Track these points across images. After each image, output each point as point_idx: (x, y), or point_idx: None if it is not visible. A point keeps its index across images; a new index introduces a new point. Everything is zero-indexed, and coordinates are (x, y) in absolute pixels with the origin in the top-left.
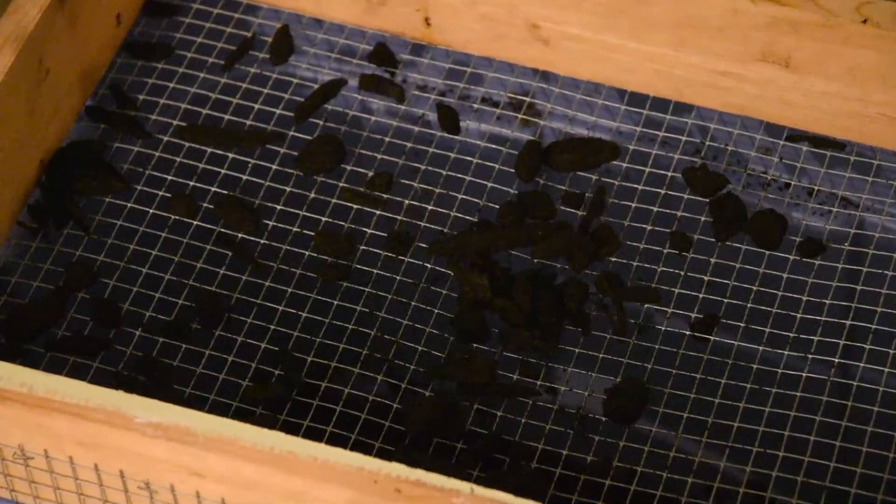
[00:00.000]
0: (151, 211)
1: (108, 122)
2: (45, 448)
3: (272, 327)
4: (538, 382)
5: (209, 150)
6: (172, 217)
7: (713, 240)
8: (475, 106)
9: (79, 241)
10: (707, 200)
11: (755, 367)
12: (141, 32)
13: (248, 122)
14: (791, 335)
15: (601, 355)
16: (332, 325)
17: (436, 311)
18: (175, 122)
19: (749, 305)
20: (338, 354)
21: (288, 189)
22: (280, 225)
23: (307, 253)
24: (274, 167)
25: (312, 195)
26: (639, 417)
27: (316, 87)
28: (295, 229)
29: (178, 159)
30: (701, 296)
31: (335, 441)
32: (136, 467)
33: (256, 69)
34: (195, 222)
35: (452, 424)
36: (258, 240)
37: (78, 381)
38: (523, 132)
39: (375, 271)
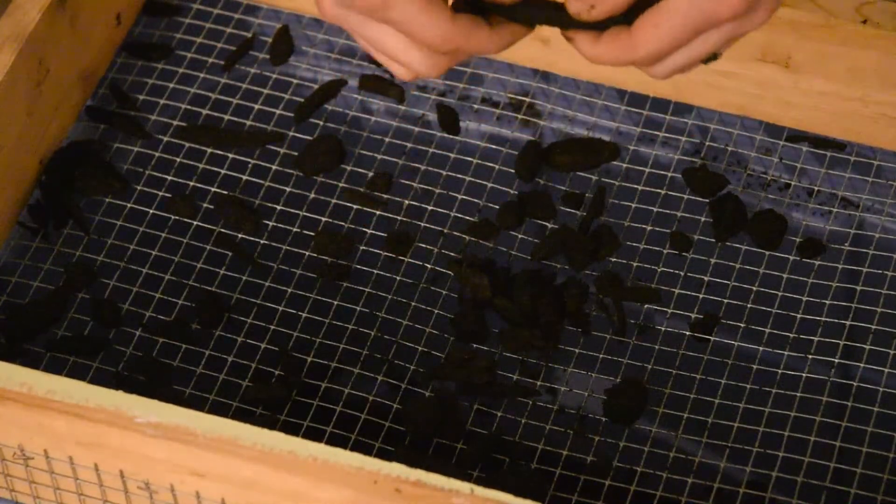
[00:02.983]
0: (151, 211)
1: (108, 122)
2: (45, 448)
3: (272, 327)
4: (538, 382)
5: (209, 150)
6: (172, 217)
7: (713, 240)
8: (475, 106)
9: (79, 241)
10: (707, 200)
11: (755, 367)
12: (141, 32)
13: (248, 123)
14: (791, 335)
15: (601, 355)
16: (332, 325)
17: (436, 311)
18: (175, 123)
19: (749, 305)
20: (338, 354)
21: (288, 189)
22: (280, 225)
23: (307, 253)
24: (274, 167)
25: (312, 195)
26: (639, 417)
27: (316, 87)
28: (295, 229)
29: (178, 159)
30: (701, 296)
31: (335, 441)
32: (136, 467)
33: (256, 69)
34: (195, 222)
35: (452, 424)
36: (258, 240)
37: (78, 381)
38: (523, 132)
39: (375, 271)
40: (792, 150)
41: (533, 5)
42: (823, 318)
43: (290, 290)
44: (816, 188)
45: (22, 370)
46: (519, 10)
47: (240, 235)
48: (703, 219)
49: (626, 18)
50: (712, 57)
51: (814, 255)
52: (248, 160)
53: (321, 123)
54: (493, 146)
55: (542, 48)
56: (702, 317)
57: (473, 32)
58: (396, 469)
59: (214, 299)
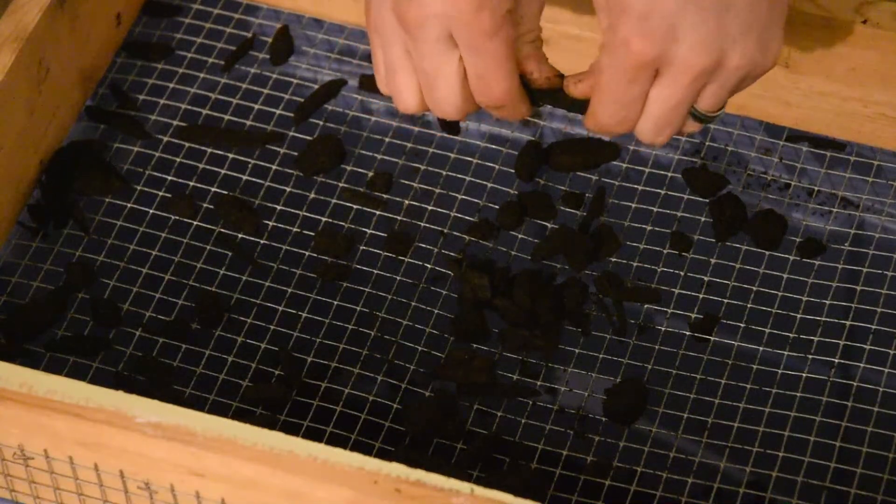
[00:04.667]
0: (151, 211)
1: (108, 122)
2: (45, 448)
3: (272, 327)
4: (538, 382)
5: (209, 150)
6: (172, 217)
7: (713, 240)
8: None
9: (79, 241)
10: (707, 200)
11: (755, 367)
12: (141, 32)
13: (248, 123)
14: (791, 335)
15: (601, 355)
16: (332, 325)
17: (436, 311)
18: (175, 123)
19: (749, 305)
20: (338, 354)
21: (288, 189)
22: (280, 225)
23: (307, 253)
24: (274, 167)
25: (312, 195)
26: (639, 417)
27: (316, 87)
28: (295, 229)
29: (178, 159)
30: (701, 296)
31: (335, 441)
32: (136, 467)
33: (256, 69)
34: (195, 222)
35: (452, 424)
36: (258, 240)
37: (78, 381)
38: (523, 132)
39: (375, 271)
40: (792, 150)
41: (554, 92)
42: (823, 318)
43: (290, 290)
44: (816, 188)
45: (22, 370)
46: (549, 94)
47: (240, 235)
48: (703, 219)
49: None
50: (708, 117)
51: (814, 255)
52: (248, 160)
53: (321, 123)
54: (493, 146)
55: (542, 48)
56: (702, 317)
57: (521, 102)
58: (396, 469)
59: (214, 299)
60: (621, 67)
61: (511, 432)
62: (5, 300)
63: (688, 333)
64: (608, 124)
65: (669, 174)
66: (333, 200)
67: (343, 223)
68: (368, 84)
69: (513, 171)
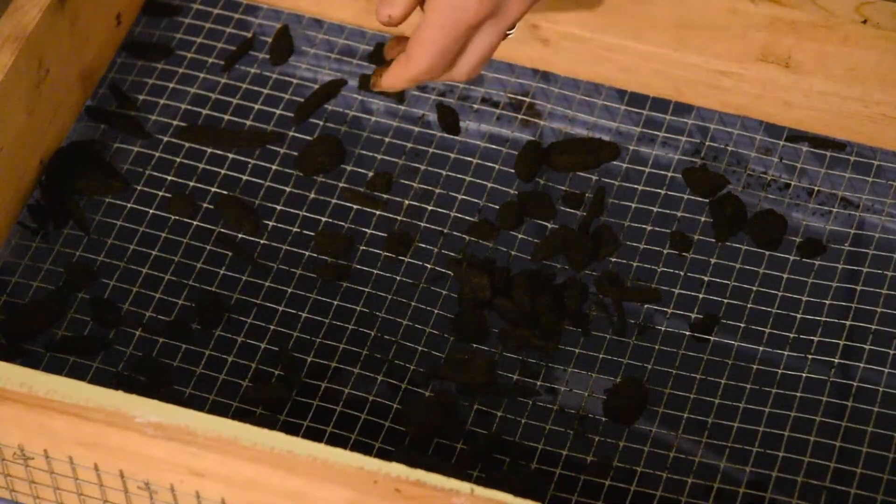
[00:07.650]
0: (151, 211)
1: (108, 122)
2: (45, 448)
3: (272, 327)
4: (538, 382)
5: (209, 150)
6: (172, 217)
7: (713, 240)
8: (475, 106)
9: (79, 241)
10: (707, 200)
11: (755, 367)
12: (141, 32)
13: (248, 123)
14: (791, 335)
15: (601, 355)
16: (332, 325)
17: (436, 311)
18: (175, 123)
19: (749, 306)
20: (338, 354)
21: (288, 189)
22: (280, 225)
23: (307, 253)
24: (274, 167)
25: (312, 195)
26: (639, 417)
27: (316, 87)
28: (295, 229)
29: (178, 159)
30: (701, 296)
31: (335, 441)
32: (136, 467)
33: (256, 69)
34: (195, 222)
35: (452, 424)
36: (258, 240)
37: (78, 381)
38: (523, 132)
39: (375, 271)
40: (792, 150)
41: None
42: (823, 318)
43: (290, 290)
44: (816, 188)
45: (22, 370)
46: None
47: (240, 235)
48: (703, 219)
49: None
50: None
51: (814, 255)
52: (248, 160)
53: (321, 123)
54: (493, 146)
55: (542, 48)
56: (702, 317)
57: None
58: (396, 469)
59: (214, 299)
60: (455, 23)
61: (511, 432)
62: (5, 300)
63: (688, 333)
64: (421, 75)
65: (669, 174)
66: (333, 200)
67: (343, 223)
68: (368, 84)
69: (513, 171)
